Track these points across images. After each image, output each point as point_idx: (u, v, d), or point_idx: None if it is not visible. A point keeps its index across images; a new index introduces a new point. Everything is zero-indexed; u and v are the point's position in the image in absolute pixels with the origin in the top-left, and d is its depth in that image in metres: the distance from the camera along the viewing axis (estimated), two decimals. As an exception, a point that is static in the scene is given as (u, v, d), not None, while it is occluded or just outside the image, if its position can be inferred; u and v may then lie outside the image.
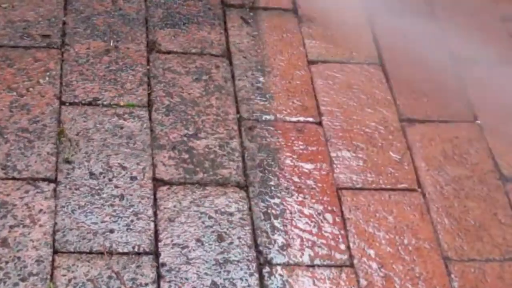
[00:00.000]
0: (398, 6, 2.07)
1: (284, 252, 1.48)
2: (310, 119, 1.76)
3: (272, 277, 1.44)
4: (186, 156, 1.61)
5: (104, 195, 1.51)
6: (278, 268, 1.46)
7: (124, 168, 1.56)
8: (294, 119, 1.75)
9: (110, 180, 1.54)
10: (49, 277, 1.37)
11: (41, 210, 1.46)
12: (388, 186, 1.66)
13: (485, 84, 1.91)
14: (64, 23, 1.85)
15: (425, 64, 1.93)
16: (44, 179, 1.52)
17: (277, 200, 1.57)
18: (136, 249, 1.44)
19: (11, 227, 1.43)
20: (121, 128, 1.64)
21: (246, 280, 1.42)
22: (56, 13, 1.87)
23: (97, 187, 1.52)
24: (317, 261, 1.49)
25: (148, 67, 1.78)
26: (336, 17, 2.02)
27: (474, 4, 2.15)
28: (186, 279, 1.40)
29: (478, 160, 1.77)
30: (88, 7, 1.89)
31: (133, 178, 1.55)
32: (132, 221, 1.48)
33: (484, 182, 1.72)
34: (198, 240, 1.47)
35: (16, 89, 1.67)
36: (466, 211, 1.66)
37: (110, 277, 1.39)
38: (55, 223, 1.45)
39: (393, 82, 1.90)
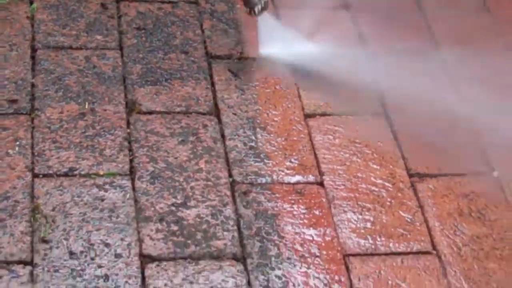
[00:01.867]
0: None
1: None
2: (311, 179, 1.84)
3: None
4: (176, 228, 1.68)
5: (87, 277, 1.56)
6: None
7: (107, 245, 1.62)
8: (292, 180, 1.82)
9: (92, 259, 1.60)
10: None
11: (17, 297, 1.51)
12: (400, 250, 1.73)
13: (502, 131, 1.98)
14: (32, 85, 1.91)
15: (434, 112, 2.00)
16: (19, 262, 1.57)
17: (278, 272, 1.63)
18: (125, 336, 1.49)
19: (-16, 318, 1.48)
20: (102, 200, 1.70)
21: None
22: (23, 74, 1.93)
23: (78, 268, 1.58)
24: None
25: (128, 130, 1.85)
26: (333, 64, 2.10)
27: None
28: None
29: (497, 216, 1.83)
30: (59, 66, 1.96)
31: (117, 256, 1.61)
32: (119, 304, 1.54)
33: (505, 240, 1.78)
34: (193, 323, 1.53)
35: (-17, 162, 1.73)
36: (486, 273, 1.72)
37: None
38: (34, 312, 1.50)
39: (399, 134, 1.97)
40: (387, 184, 1.85)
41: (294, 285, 1.62)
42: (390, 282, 1.67)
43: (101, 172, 1.76)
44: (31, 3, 2.12)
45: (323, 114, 2.00)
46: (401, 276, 1.69)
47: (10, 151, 1.76)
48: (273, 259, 1.65)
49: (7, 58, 1.97)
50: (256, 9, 1.93)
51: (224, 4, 2.25)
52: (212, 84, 2.01)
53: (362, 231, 1.75)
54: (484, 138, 1.99)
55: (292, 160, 1.86)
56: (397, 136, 1.98)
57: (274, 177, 1.82)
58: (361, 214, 1.78)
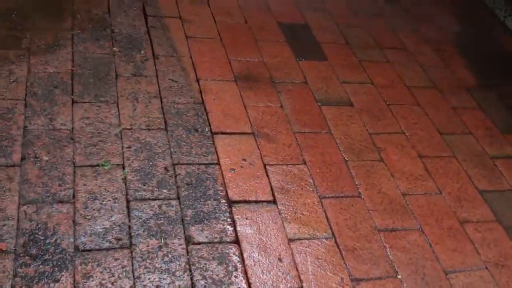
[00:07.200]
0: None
1: None
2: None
3: None
4: None
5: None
6: None
7: None
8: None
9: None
10: None
11: None
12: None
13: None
14: (129, 227, 1.91)
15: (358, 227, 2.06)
16: None
17: None
18: None
19: None
20: None
21: None
22: (123, 219, 1.93)
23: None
24: None
25: (188, 256, 1.86)
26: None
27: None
28: None
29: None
30: (144, 213, 1.97)
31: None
32: None
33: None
34: None
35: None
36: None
37: None
38: None
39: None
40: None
41: None
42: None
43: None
44: (123, 168, 2.10)
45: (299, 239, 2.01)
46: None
47: (121, 275, 1.76)
48: None
49: (112, 208, 1.96)
50: None
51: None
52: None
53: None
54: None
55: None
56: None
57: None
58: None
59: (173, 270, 1.81)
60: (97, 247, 1.82)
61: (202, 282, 1.80)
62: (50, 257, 1.77)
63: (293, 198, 2.13)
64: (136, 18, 2.88)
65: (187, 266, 1.83)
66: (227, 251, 1.91)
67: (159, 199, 2.03)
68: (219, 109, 2.45)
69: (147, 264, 1.81)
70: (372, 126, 2.57)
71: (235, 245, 1.93)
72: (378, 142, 2.49)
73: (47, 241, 1.81)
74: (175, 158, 2.20)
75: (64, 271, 1.74)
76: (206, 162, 2.21)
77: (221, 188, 2.12)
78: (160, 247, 1.87)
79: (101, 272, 1.75)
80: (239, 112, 2.46)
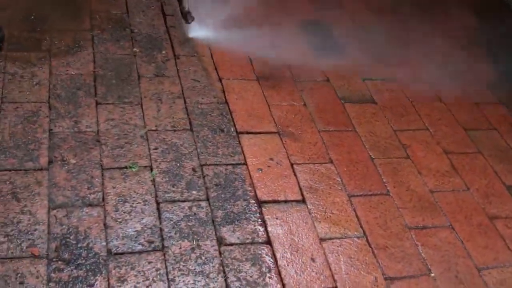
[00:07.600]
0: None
1: None
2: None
3: None
4: None
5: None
6: None
7: None
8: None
9: None
10: None
11: None
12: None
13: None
14: (161, 230, 1.89)
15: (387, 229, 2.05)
16: None
17: None
18: None
19: None
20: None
21: None
22: (154, 222, 1.92)
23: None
24: None
25: (221, 258, 1.85)
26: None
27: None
28: None
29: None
30: (174, 215, 1.96)
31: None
32: None
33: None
34: None
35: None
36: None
37: None
38: None
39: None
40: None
41: None
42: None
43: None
44: (151, 170, 2.09)
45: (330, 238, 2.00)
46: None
47: (155, 279, 1.75)
48: None
49: (143, 210, 1.95)
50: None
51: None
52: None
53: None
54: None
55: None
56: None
57: None
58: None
59: (207, 272, 1.80)
60: (129, 250, 1.81)
61: (237, 283, 1.79)
62: (83, 261, 1.76)
63: (322, 197, 2.12)
64: (155, 18, 2.86)
65: (221, 268, 1.82)
66: (260, 252, 1.89)
67: (188, 201, 2.01)
68: (243, 109, 2.43)
69: (181, 266, 1.80)
70: (396, 123, 2.55)
71: (267, 245, 1.91)
72: (403, 139, 2.47)
73: (79, 245, 1.80)
74: (202, 159, 2.18)
75: (98, 275, 1.73)
76: (233, 162, 2.19)
77: (249, 188, 2.10)
78: (192, 249, 1.86)
79: (135, 276, 1.74)
80: (263, 111, 2.45)
